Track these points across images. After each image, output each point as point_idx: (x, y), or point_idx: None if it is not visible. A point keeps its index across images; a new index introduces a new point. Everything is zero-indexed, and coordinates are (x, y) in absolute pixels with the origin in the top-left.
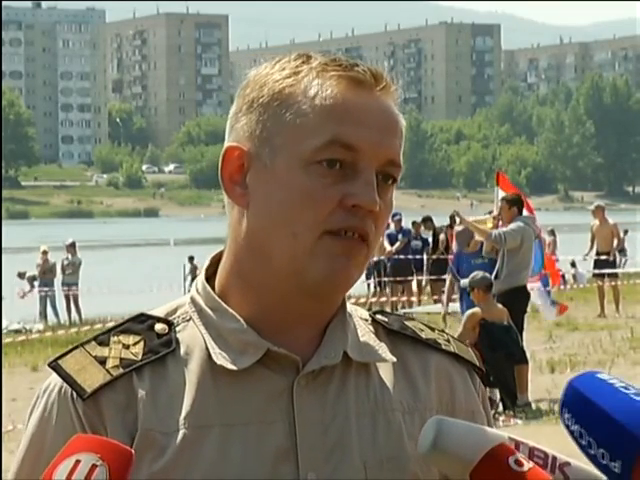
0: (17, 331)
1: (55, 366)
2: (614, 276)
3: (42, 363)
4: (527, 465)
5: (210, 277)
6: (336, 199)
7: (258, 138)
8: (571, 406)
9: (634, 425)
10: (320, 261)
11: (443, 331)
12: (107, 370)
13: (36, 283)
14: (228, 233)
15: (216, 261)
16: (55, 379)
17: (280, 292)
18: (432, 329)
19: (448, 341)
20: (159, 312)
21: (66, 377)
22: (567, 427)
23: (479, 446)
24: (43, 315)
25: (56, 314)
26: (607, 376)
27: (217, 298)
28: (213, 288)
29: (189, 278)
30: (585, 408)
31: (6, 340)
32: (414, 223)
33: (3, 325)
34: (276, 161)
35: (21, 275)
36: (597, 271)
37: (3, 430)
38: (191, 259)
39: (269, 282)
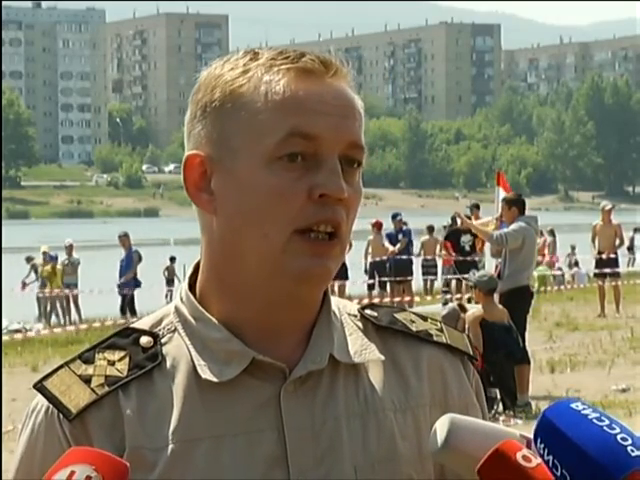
0: (17, 331)
1: (40, 387)
2: (616, 276)
3: (42, 363)
4: (535, 461)
5: (193, 285)
6: (304, 192)
7: (216, 142)
8: (543, 437)
9: (607, 459)
10: (293, 261)
11: (436, 320)
12: (92, 389)
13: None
14: (201, 240)
15: (198, 268)
16: (42, 399)
17: (259, 295)
18: (424, 319)
19: (441, 330)
20: (144, 324)
21: (51, 398)
22: (541, 456)
23: (492, 445)
24: (43, 315)
25: (56, 314)
26: (582, 406)
27: (200, 307)
28: (196, 295)
29: (168, 280)
30: (557, 440)
31: (6, 340)
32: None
33: (3, 325)
34: (238, 163)
35: (29, 259)
36: (598, 271)
37: (3, 430)
38: (172, 259)
39: (247, 285)
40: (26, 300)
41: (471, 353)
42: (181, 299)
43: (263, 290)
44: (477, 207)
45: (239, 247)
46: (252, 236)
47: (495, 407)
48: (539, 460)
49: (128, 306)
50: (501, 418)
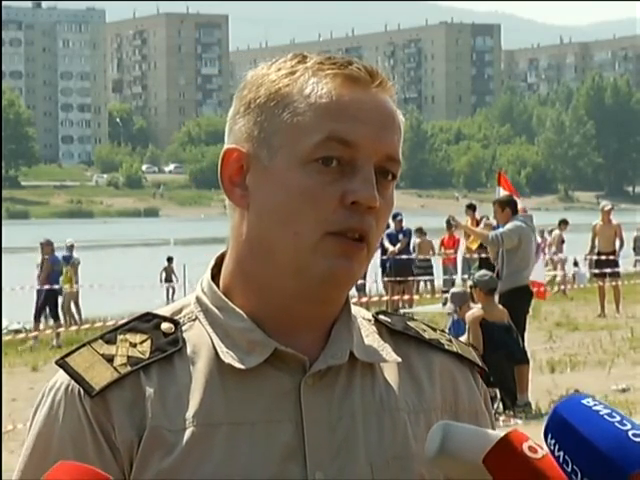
0: (17, 331)
1: (63, 364)
2: (616, 276)
3: (42, 363)
4: (541, 452)
5: (214, 276)
6: (336, 197)
7: (256, 139)
8: (555, 432)
9: (618, 455)
10: (322, 260)
11: (444, 331)
12: (115, 368)
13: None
14: (230, 234)
15: (220, 260)
16: (62, 377)
17: (283, 291)
18: (434, 329)
19: (450, 341)
20: (164, 312)
21: (74, 375)
22: (552, 452)
23: (486, 449)
24: (46, 316)
25: (54, 314)
26: (592, 402)
27: (223, 297)
28: (218, 287)
29: (164, 279)
30: (569, 435)
31: (6, 339)
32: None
33: (3, 325)
34: (275, 161)
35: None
36: (598, 270)
37: (3, 430)
38: (170, 260)
39: (272, 281)
40: (26, 300)
41: (480, 364)
42: (202, 290)
43: (288, 287)
44: (473, 208)
45: (268, 243)
46: (283, 233)
47: (495, 407)
48: (545, 451)
49: (42, 312)
50: (501, 418)
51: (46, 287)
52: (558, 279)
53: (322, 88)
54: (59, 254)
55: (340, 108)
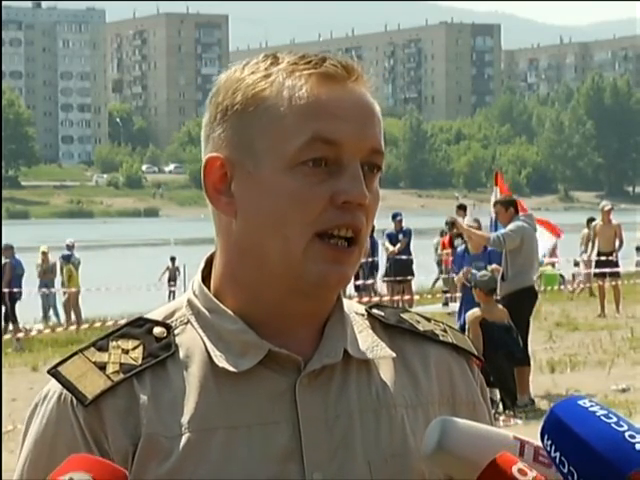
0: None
1: (55, 373)
2: (616, 276)
3: (42, 363)
4: (530, 474)
5: (205, 278)
6: (326, 197)
7: (237, 146)
8: (551, 433)
9: (614, 456)
10: (313, 265)
11: (439, 321)
12: (107, 376)
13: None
14: (217, 239)
15: (210, 262)
16: (54, 386)
17: (275, 294)
18: (428, 320)
19: (445, 331)
20: (156, 315)
21: (66, 384)
22: (548, 453)
23: (484, 447)
24: (46, 316)
25: (56, 314)
26: (589, 403)
27: (215, 300)
28: (209, 289)
29: (166, 279)
30: (565, 436)
31: (6, 339)
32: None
33: (3, 325)
34: (260, 167)
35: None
36: (598, 270)
37: (3, 430)
38: (173, 260)
39: (263, 285)
40: (26, 300)
41: (475, 353)
42: (194, 292)
43: (280, 290)
44: (464, 209)
45: (259, 249)
46: (272, 238)
47: (495, 408)
48: (534, 473)
49: (8, 316)
50: (501, 418)
51: (6, 290)
52: (581, 278)
53: (299, 89)
54: (59, 254)
55: (320, 107)
